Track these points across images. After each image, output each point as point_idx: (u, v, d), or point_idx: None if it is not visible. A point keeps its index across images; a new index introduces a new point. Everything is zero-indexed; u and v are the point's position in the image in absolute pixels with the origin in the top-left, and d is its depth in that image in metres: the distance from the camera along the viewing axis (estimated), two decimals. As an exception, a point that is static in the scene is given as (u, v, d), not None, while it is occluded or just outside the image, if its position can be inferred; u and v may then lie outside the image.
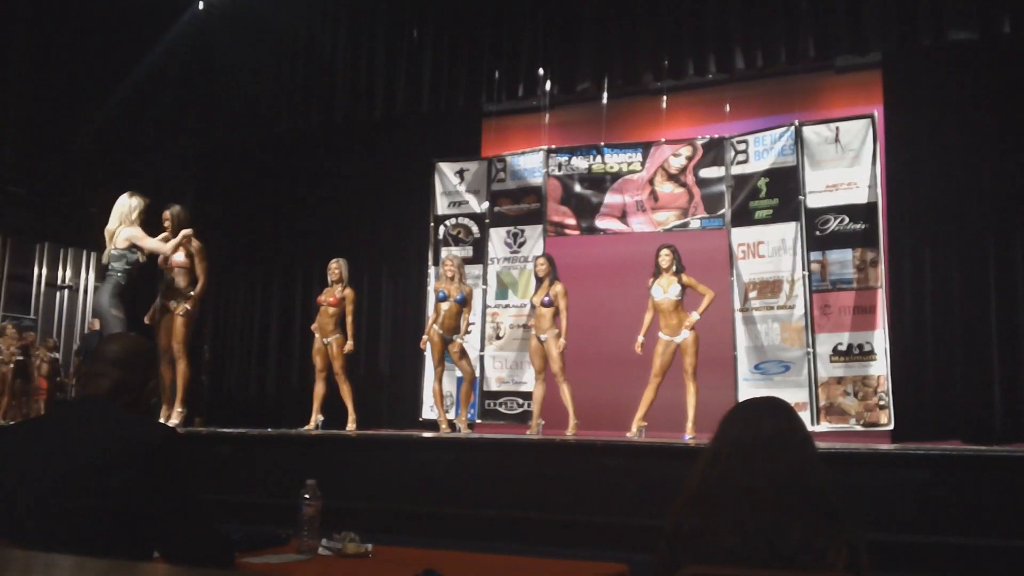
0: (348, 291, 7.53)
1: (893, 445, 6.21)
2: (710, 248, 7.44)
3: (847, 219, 6.85)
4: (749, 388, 7.00)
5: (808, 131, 7.05)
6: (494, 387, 8.02)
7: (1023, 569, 4.37)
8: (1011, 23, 6.04)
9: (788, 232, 7.04)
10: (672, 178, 7.65)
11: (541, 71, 7.67)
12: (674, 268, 6.83)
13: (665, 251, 6.86)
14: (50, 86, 8.48)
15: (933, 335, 6.95)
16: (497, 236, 8.25)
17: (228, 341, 9.62)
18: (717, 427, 1.98)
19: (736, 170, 7.39)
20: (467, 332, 7.48)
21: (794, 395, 6.65)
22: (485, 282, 8.19)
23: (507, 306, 8.13)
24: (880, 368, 6.65)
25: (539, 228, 8.06)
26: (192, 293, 6.90)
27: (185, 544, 1.99)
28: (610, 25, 7.30)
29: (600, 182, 7.88)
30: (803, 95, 7.72)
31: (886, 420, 6.59)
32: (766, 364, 7.06)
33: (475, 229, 8.36)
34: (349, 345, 7.48)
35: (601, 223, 7.88)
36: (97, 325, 11.51)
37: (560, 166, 8.02)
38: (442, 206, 8.50)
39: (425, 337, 7.48)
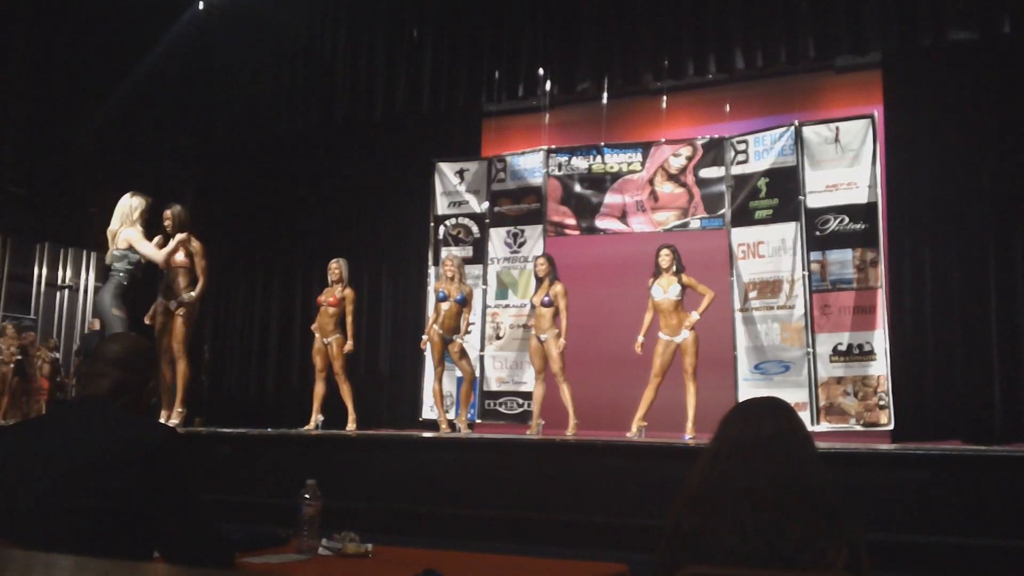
0: (348, 291, 7.54)
1: (893, 445, 6.20)
2: (710, 248, 7.44)
3: (847, 219, 6.85)
4: (749, 388, 7.00)
5: (808, 131, 7.05)
6: (494, 387, 8.03)
7: (1023, 569, 4.37)
8: (1011, 23, 6.05)
9: (788, 232, 7.05)
10: (672, 178, 7.65)
11: (541, 71, 7.67)
12: (674, 268, 6.83)
13: (665, 251, 6.86)
14: (50, 86, 8.48)
15: (933, 335, 6.95)
16: (497, 236, 8.25)
17: (228, 341, 9.62)
18: (717, 427, 1.98)
19: (736, 170, 7.39)
20: (467, 332, 7.48)
21: (794, 395, 6.65)
22: (485, 282, 8.19)
23: (507, 306, 8.13)
24: (880, 368, 6.65)
25: (539, 228, 8.06)
26: (192, 293, 6.90)
27: (185, 544, 1.99)
28: (610, 25, 7.30)
29: (600, 182, 7.88)
30: (803, 95, 7.72)
31: (886, 420, 6.59)
32: (766, 364, 7.06)
33: (475, 229, 8.36)
34: (349, 345, 7.48)
35: (601, 223, 7.88)
36: (97, 325, 11.52)
37: (560, 166, 8.02)
38: (442, 206, 8.51)
39: (425, 337, 7.48)
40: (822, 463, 1.90)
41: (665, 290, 6.79)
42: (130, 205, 6.64)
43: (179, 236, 6.76)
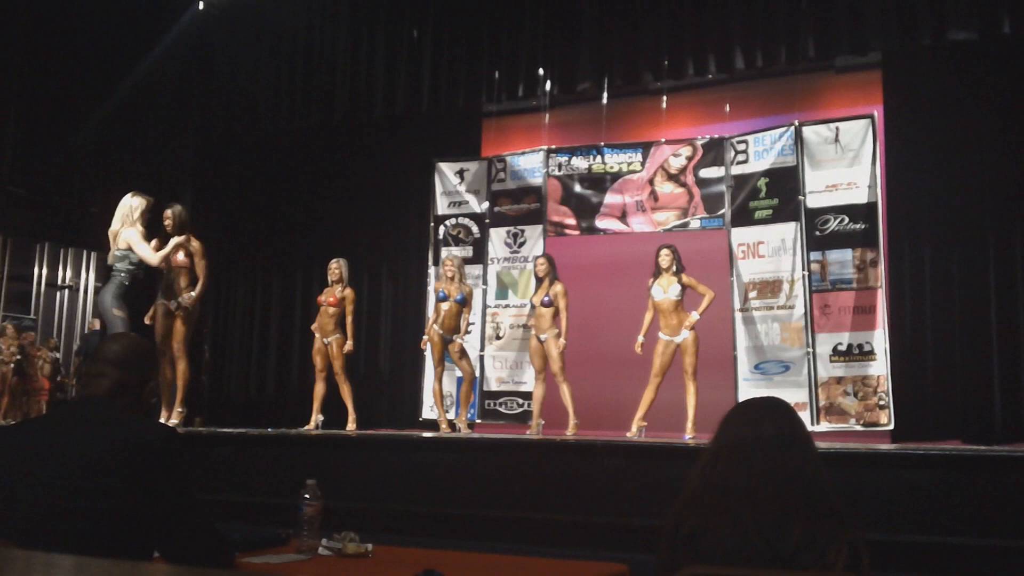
0: (348, 291, 7.54)
1: (893, 445, 6.20)
2: (710, 248, 7.44)
3: (847, 219, 6.85)
4: (749, 388, 7.00)
5: (808, 131, 7.05)
6: (494, 387, 8.03)
7: (1023, 569, 4.37)
8: (1011, 23, 6.05)
9: (788, 232, 7.05)
10: (672, 178, 7.65)
11: (541, 71, 7.67)
12: (674, 268, 6.83)
13: (665, 251, 6.86)
14: (50, 86, 8.48)
15: (933, 335, 6.95)
16: (497, 236, 8.25)
17: (228, 341, 9.62)
18: (717, 427, 1.98)
19: (736, 170, 7.39)
20: (467, 332, 7.48)
21: (794, 395, 6.65)
22: (485, 282, 8.19)
23: (507, 306, 8.13)
24: (880, 368, 6.65)
25: (539, 228, 8.06)
26: (192, 294, 6.90)
27: (185, 544, 1.99)
28: (610, 25, 7.30)
29: (600, 182, 7.89)
30: (803, 95, 7.71)
31: (886, 420, 6.59)
32: (766, 364, 7.06)
33: (475, 229, 8.36)
34: (349, 345, 7.48)
35: (601, 223, 7.88)
36: (97, 325, 11.54)
37: (560, 166, 8.02)
38: (442, 206, 8.51)
39: (425, 337, 7.48)
40: (822, 463, 1.90)
41: (665, 290, 6.79)
42: (130, 205, 6.64)
43: (174, 240, 6.74)
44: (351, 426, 7.49)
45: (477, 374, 7.76)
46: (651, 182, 7.71)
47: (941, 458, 5.02)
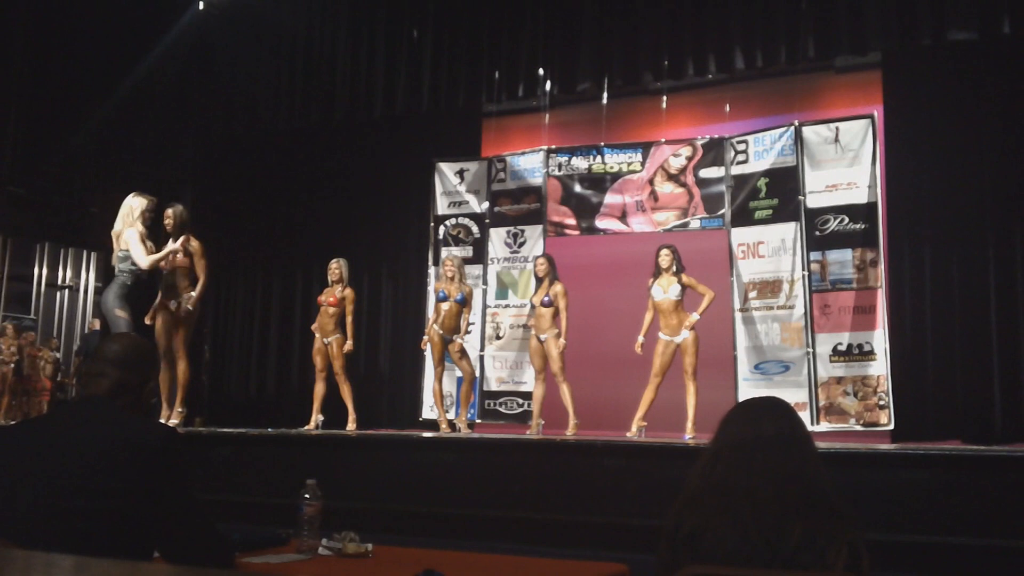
0: (348, 291, 7.54)
1: (893, 445, 6.20)
2: (710, 248, 7.44)
3: (847, 219, 6.85)
4: (749, 388, 7.00)
5: (808, 131, 7.05)
6: (494, 387, 8.03)
7: (1023, 569, 4.37)
8: (1011, 23, 6.05)
9: (788, 232, 7.04)
10: (672, 178, 7.65)
11: (541, 71, 7.67)
12: (674, 268, 6.83)
13: (665, 251, 6.87)
14: (50, 86, 8.48)
15: (933, 335, 6.95)
16: (497, 236, 8.25)
17: (228, 341, 9.62)
18: (717, 427, 1.98)
19: (736, 170, 7.39)
20: (467, 332, 7.48)
21: (794, 395, 6.65)
22: (485, 282, 8.19)
23: (507, 306, 8.13)
24: (880, 368, 6.65)
25: (539, 228, 8.06)
26: (193, 293, 6.90)
27: (185, 544, 1.99)
28: (610, 25, 7.30)
29: (600, 182, 7.88)
30: (803, 95, 7.71)
31: (886, 420, 6.58)
32: (766, 364, 7.06)
33: (475, 229, 8.36)
34: (349, 345, 7.48)
35: (601, 223, 7.88)
36: (97, 325, 11.54)
37: (560, 166, 8.02)
38: (442, 206, 8.50)
39: (425, 337, 7.48)
40: (822, 463, 1.90)
41: (665, 290, 6.79)
42: (130, 206, 6.66)
43: (169, 247, 6.72)
44: (351, 426, 7.49)
45: (477, 374, 7.76)
46: (651, 182, 7.71)
47: (941, 458, 5.02)
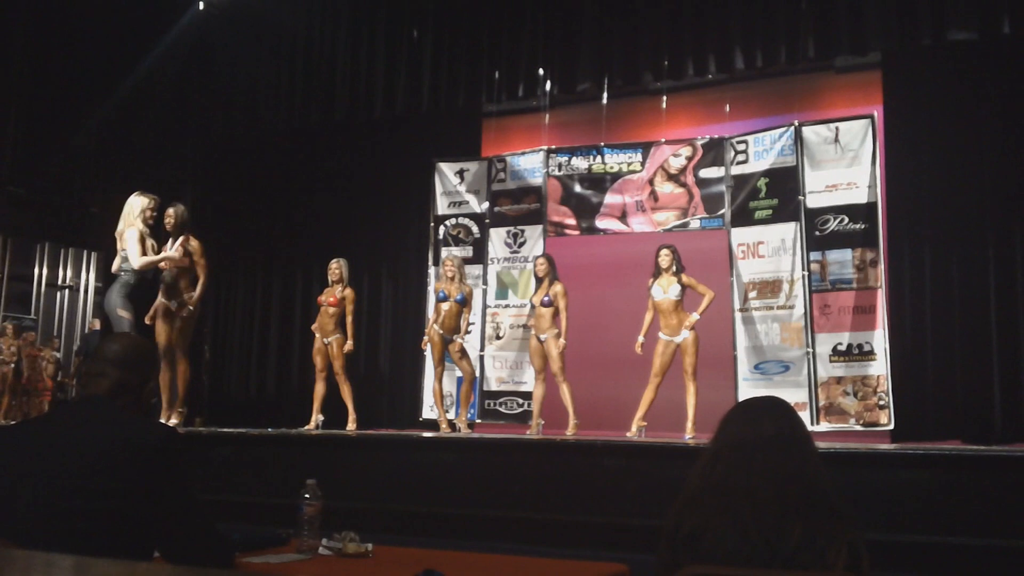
0: (348, 291, 7.54)
1: (893, 445, 6.20)
2: (710, 248, 7.44)
3: (847, 219, 6.85)
4: (749, 388, 7.00)
5: (808, 131, 7.05)
6: (494, 387, 8.03)
7: (1023, 569, 4.37)
8: (1011, 23, 6.04)
9: (788, 232, 7.04)
10: (672, 178, 7.65)
11: (541, 71, 7.67)
12: (674, 268, 6.83)
13: (665, 251, 6.87)
14: (50, 86, 8.48)
15: (933, 335, 6.94)
16: (497, 236, 8.25)
17: (228, 341, 9.62)
18: (717, 427, 1.98)
19: (736, 170, 7.39)
20: (467, 332, 7.49)
21: (794, 395, 6.64)
22: (485, 282, 8.19)
23: (507, 306, 8.13)
24: (880, 368, 6.65)
25: (539, 228, 8.06)
26: (193, 293, 6.90)
27: (185, 544, 1.99)
28: (610, 25, 7.30)
29: (600, 182, 7.88)
30: (803, 95, 7.71)
31: (886, 420, 6.58)
32: (766, 364, 7.06)
33: (475, 229, 8.36)
34: (349, 345, 7.48)
35: (601, 223, 7.88)
36: (97, 325, 11.54)
37: (560, 166, 8.02)
38: (442, 206, 8.50)
39: (425, 338, 7.48)
40: (822, 463, 1.90)
41: (665, 290, 6.79)
42: (131, 205, 6.69)
43: (166, 252, 6.72)
44: (351, 426, 7.49)
45: (477, 374, 7.76)
46: (651, 182, 7.71)
47: (941, 458, 5.02)
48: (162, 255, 6.70)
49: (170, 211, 6.91)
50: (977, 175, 6.94)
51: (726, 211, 7.41)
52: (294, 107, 8.48)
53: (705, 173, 7.52)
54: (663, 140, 7.79)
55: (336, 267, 7.58)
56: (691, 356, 6.67)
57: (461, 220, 8.41)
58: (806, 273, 6.91)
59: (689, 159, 7.59)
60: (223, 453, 6.45)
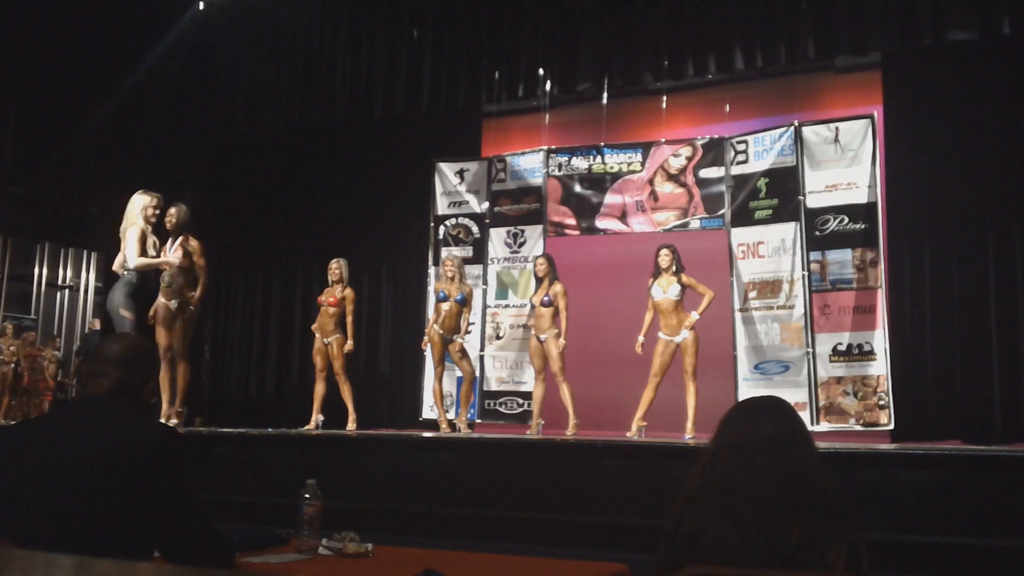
0: (348, 291, 7.54)
1: (893, 445, 6.20)
2: (710, 248, 7.44)
3: (847, 219, 6.85)
4: (749, 388, 7.00)
5: (808, 131, 7.05)
6: (494, 387, 8.02)
7: (1023, 569, 4.37)
8: (1011, 23, 6.05)
9: (788, 232, 7.04)
10: (672, 178, 7.65)
11: (541, 71, 7.67)
12: (674, 268, 6.83)
13: (665, 251, 6.87)
14: (50, 86, 8.48)
15: (933, 335, 6.95)
16: (497, 236, 8.25)
17: (228, 341, 9.62)
18: (717, 427, 1.98)
19: (736, 170, 7.39)
20: (467, 332, 7.49)
21: (794, 395, 6.64)
22: (485, 282, 8.19)
23: (507, 306, 8.13)
24: (880, 368, 6.65)
25: (539, 228, 8.06)
26: (193, 293, 6.91)
27: (185, 544, 1.99)
28: (610, 25, 7.30)
29: (600, 182, 7.89)
30: (803, 95, 7.71)
31: (886, 420, 6.59)
32: (766, 364, 7.06)
33: (475, 229, 8.36)
34: (349, 345, 7.48)
35: (601, 223, 7.88)
36: (97, 325, 11.54)
37: (560, 166, 8.02)
38: (442, 206, 8.50)
39: (426, 338, 7.48)
40: (822, 463, 1.90)
41: (665, 290, 6.79)
42: (134, 203, 6.70)
43: (165, 257, 6.73)
44: (351, 426, 7.49)
45: (477, 374, 7.76)
46: (651, 182, 7.71)
47: (941, 458, 5.02)
48: (160, 259, 6.70)
49: (172, 211, 6.91)
50: (977, 175, 6.94)
51: (726, 211, 7.41)
52: (294, 107, 8.48)
53: (705, 173, 7.52)
54: (663, 140, 7.79)
55: (336, 267, 7.58)
56: (691, 356, 6.67)
57: (461, 220, 8.41)
58: (806, 273, 6.91)
59: (689, 159, 7.59)
60: (223, 453, 6.44)
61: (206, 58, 8.83)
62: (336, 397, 7.63)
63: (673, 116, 8.16)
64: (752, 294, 7.19)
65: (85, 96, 8.63)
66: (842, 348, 6.78)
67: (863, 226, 6.80)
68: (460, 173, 8.46)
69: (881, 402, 6.61)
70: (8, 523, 1.87)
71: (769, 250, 7.14)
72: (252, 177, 9.57)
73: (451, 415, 7.65)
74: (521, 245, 8.15)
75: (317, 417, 7.55)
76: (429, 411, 8.05)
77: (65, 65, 8.51)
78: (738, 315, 7.23)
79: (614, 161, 7.84)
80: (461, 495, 5.57)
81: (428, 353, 7.62)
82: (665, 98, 8.08)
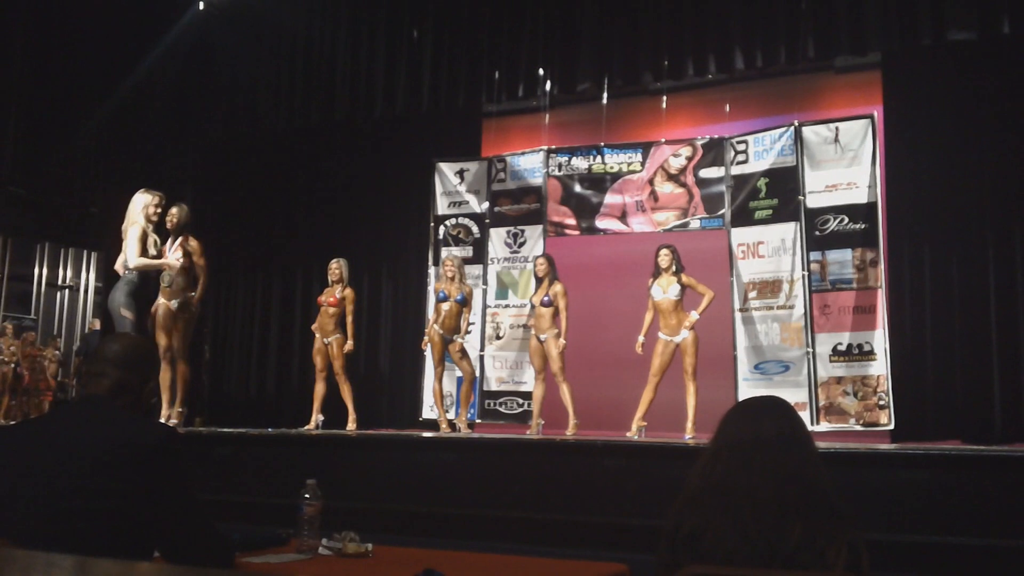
0: (348, 291, 7.54)
1: (893, 445, 6.21)
2: (710, 248, 7.44)
3: (847, 219, 6.85)
4: (749, 388, 7.00)
5: (808, 131, 7.05)
6: (494, 387, 8.03)
7: (1023, 569, 4.37)
8: (1011, 23, 6.05)
9: (788, 232, 7.04)
10: (672, 178, 7.65)
11: (541, 71, 7.67)
12: (674, 268, 6.83)
13: (665, 251, 6.87)
14: (50, 86, 8.48)
15: (933, 335, 6.95)
16: (497, 236, 8.25)
17: (228, 341, 9.62)
18: (717, 427, 1.98)
19: (736, 170, 7.39)
20: (467, 332, 7.49)
21: (794, 395, 6.64)
22: (485, 282, 8.19)
23: (507, 306, 8.13)
24: (880, 368, 6.65)
25: (539, 228, 8.06)
26: (193, 293, 6.91)
27: (185, 544, 1.99)
28: (610, 25, 7.30)
29: (600, 182, 7.89)
30: (803, 95, 7.71)
31: (886, 420, 6.59)
32: (766, 364, 7.06)
33: (475, 229, 8.36)
34: (349, 345, 7.49)
35: (601, 223, 7.88)
36: (97, 325, 11.54)
37: (560, 166, 8.02)
38: (442, 206, 8.50)
39: (426, 338, 7.48)
40: (822, 463, 1.90)
41: (665, 290, 6.79)
42: (135, 202, 6.72)
43: (163, 260, 6.72)
44: (351, 426, 7.49)
45: (477, 374, 7.76)
46: (651, 182, 7.71)
47: (941, 458, 5.02)
48: (160, 261, 6.70)
49: (173, 210, 6.92)
50: (977, 175, 6.94)
51: (726, 211, 7.41)
52: (294, 107, 8.48)
53: (705, 173, 7.52)
54: (663, 140, 7.79)
55: (336, 267, 7.58)
56: (691, 356, 6.67)
57: (461, 220, 8.41)
58: (806, 273, 6.91)
59: (689, 159, 7.59)
60: (223, 453, 6.44)
61: (206, 58, 8.83)
62: (336, 397, 7.63)
63: (673, 116, 8.16)
64: (752, 294, 7.19)
65: (85, 96, 8.63)
66: (842, 348, 6.78)
67: (863, 226, 6.81)
68: (460, 173, 8.46)
69: (881, 402, 6.61)
70: (8, 523, 1.87)
71: (769, 250, 7.14)
72: (252, 177, 9.57)
73: (451, 415, 7.65)
74: (521, 245, 8.15)
75: (317, 417, 7.55)
76: (429, 411, 8.05)
77: (65, 65, 8.51)
78: (738, 315, 7.23)
79: (614, 161, 7.84)
80: (461, 495, 5.57)
81: (428, 353, 7.62)
82: (665, 98, 8.08)
